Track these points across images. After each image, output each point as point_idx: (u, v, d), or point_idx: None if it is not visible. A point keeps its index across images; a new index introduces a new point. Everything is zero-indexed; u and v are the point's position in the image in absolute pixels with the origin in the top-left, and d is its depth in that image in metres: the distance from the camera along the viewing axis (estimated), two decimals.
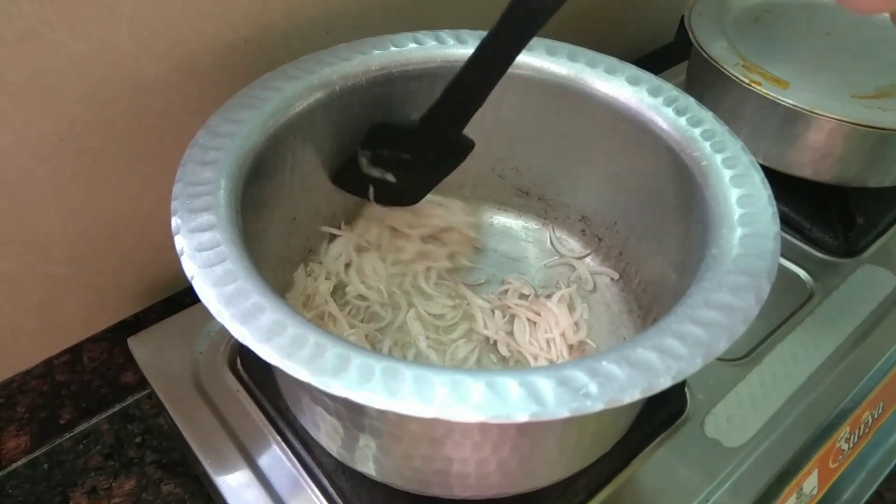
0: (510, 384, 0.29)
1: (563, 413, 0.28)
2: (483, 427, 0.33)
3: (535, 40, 0.50)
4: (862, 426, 0.54)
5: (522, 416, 0.28)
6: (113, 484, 0.53)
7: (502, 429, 0.34)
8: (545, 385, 0.29)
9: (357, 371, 0.29)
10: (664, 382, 0.29)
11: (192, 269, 0.32)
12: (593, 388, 0.29)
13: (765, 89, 0.58)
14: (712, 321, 0.32)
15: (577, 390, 0.29)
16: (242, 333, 0.30)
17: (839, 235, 0.63)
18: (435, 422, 0.32)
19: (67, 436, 0.56)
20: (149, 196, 0.53)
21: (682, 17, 0.68)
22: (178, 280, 0.58)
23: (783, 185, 0.62)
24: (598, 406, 0.28)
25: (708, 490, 0.46)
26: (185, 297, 0.59)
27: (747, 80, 0.59)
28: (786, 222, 0.65)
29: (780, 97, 0.58)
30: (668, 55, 0.87)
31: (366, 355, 0.30)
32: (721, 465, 0.47)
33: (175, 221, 0.34)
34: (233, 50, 0.50)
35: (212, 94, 0.51)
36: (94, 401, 0.57)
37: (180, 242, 0.33)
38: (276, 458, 0.46)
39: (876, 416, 0.55)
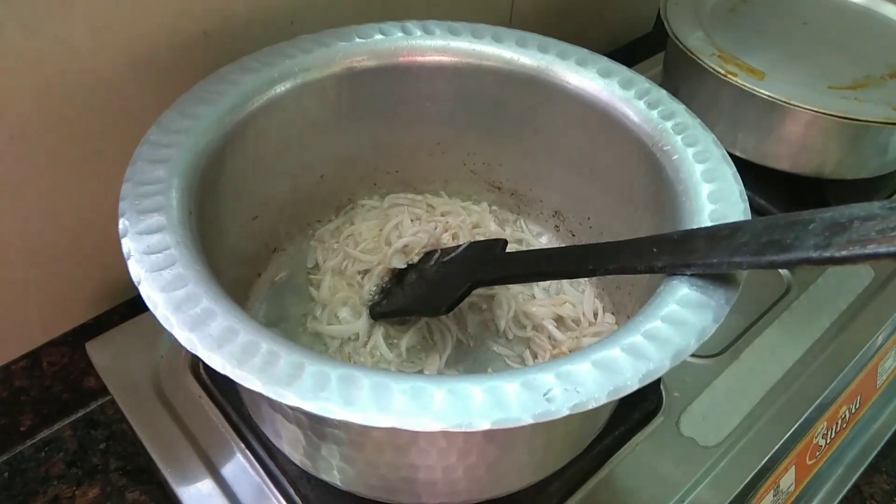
0: (473, 390, 0.28)
1: (527, 419, 0.27)
2: (447, 434, 0.32)
3: (505, 31, 0.49)
4: (839, 421, 0.53)
5: (484, 424, 0.27)
6: (76, 492, 0.52)
7: (468, 435, 0.32)
8: (509, 390, 0.28)
9: (312, 379, 0.27)
10: (631, 385, 0.28)
11: (139, 272, 0.31)
12: (558, 392, 0.28)
13: (741, 80, 0.58)
14: (682, 320, 0.31)
15: (541, 395, 0.28)
16: (190, 341, 0.28)
17: None
18: (396, 429, 0.31)
19: (28, 443, 0.54)
20: (108, 196, 0.50)
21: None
22: None
23: (760, 177, 0.62)
24: (563, 412, 0.27)
25: (685, 489, 0.45)
26: None
27: (723, 71, 0.58)
28: (763, 215, 0.64)
29: (756, 88, 0.57)
30: (646, 45, 0.86)
31: (321, 363, 0.28)
32: (697, 463, 0.46)
33: (122, 223, 0.33)
34: (193, 43, 0.49)
35: (172, 90, 0.48)
36: (55, 407, 0.55)
37: (127, 245, 0.32)
38: (240, 465, 0.44)
39: (853, 411, 0.55)
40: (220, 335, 0.29)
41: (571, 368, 0.29)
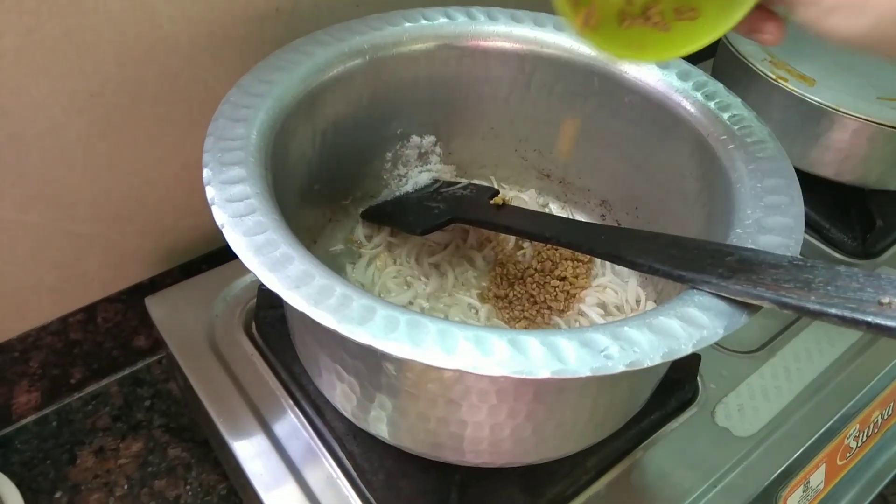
0: (532, 343, 0.29)
1: (585, 372, 0.28)
2: (500, 390, 0.33)
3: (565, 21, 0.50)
4: (871, 425, 0.54)
5: (544, 373, 0.28)
6: (120, 445, 0.54)
7: (519, 393, 0.34)
8: (567, 345, 0.29)
9: (382, 321, 0.29)
10: (685, 349, 0.29)
11: (223, 217, 0.32)
12: (615, 350, 0.29)
13: (791, 85, 0.59)
14: None
15: (598, 352, 0.29)
16: (272, 280, 0.30)
17: (857, 237, 0.63)
18: (453, 381, 0.33)
19: (77, 395, 0.57)
20: (174, 161, 0.53)
21: None
22: (196, 246, 0.59)
23: (803, 184, 0.62)
24: (619, 367, 0.28)
25: (715, 477, 0.46)
26: (201, 264, 0.59)
27: (774, 76, 0.59)
28: (804, 222, 0.64)
29: (805, 94, 0.58)
30: (695, 53, 0.87)
31: (390, 308, 0.30)
32: (730, 453, 0.47)
33: (206, 173, 0.35)
34: (265, 18, 0.51)
35: (242, 62, 0.50)
36: (105, 362, 0.57)
37: (211, 192, 0.34)
38: (288, 420, 0.46)
39: (885, 417, 0.55)
40: (298, 277, 0.30)
41: (628, 330, 0.30)
